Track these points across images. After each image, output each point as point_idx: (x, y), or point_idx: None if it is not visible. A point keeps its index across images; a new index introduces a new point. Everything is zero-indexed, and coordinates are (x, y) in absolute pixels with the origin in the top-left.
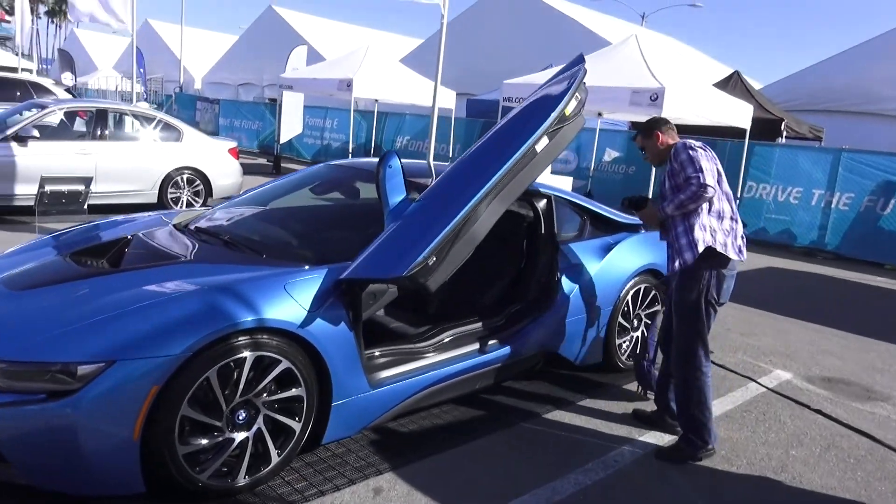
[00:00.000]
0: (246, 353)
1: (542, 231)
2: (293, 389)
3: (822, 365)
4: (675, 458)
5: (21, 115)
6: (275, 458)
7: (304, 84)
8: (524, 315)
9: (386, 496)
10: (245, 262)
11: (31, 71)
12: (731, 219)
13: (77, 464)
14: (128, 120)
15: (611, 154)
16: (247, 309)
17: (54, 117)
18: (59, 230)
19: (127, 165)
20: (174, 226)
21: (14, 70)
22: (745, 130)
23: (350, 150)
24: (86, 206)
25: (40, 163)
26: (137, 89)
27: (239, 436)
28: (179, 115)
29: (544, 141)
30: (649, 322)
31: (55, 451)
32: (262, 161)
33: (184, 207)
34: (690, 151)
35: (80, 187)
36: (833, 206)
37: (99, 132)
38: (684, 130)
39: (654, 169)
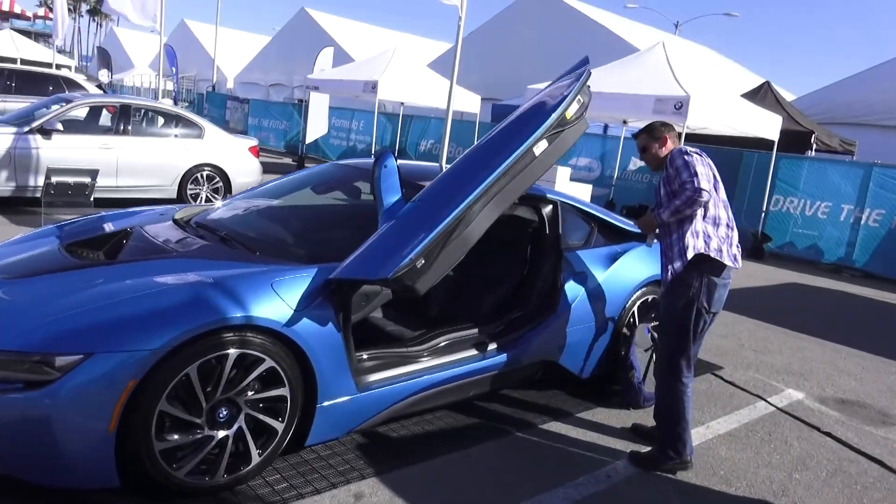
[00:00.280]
0: (229, 351)
1: (547, 237)
2: (277, 389)
3: (838, 386)
4: (648, 466)
5: (48, 108)
6: (255, 458)
7: (330, 85)
8: (524, 322)
9: (367, 502)
10: (237, 259)
11: (69, 68)
12: (727, 226)
13: (52, 454)
14: (151, 116)
15: (636, 163)
16: (232, 306)
17: (80, 111)
18: (64, 221)
19: (148, 160)
20: (174, 220)
21: (49, 66)
22: (773, 142)
23: (373, 153)
24: (92, 199)
25: (62, 155)
26: (169, 87)
27: (219, 434)
28: (210, 114)
29: (543, 144)
30: (656, 335)
31: (31, 441)
32: (288, 161)
33: (202, 204)
34: (685, 157)
35: (87, 179)
36: (862, 222)
37: (122, 127)
38: (709, 140)
39: None
